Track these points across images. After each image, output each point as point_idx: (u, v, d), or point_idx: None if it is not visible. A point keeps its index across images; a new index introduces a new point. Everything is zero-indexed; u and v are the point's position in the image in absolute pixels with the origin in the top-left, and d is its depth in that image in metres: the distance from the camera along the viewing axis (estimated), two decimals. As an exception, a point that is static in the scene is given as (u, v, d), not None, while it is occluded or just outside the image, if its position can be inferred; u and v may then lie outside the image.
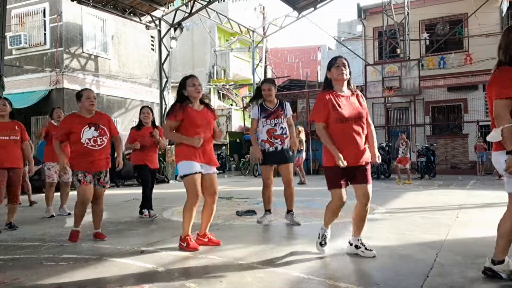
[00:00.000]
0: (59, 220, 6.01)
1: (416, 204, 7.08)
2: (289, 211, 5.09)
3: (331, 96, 3.45)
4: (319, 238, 3.59)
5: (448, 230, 4.54)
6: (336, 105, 3.40)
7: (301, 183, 11.81)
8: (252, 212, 6.06)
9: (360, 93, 3.57)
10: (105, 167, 4.39)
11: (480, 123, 16.75)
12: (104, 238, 4.40)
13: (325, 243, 3.56)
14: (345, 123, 3.37)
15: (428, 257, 3.41)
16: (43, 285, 2.89)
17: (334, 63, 3.49)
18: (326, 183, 3.50)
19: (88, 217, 5.88)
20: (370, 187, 3.43)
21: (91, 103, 4.33)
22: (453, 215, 5.66)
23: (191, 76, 4.05)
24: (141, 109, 6.16)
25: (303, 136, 11.98)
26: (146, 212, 5.93)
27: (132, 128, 6.09)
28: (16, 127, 5.15)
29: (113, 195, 9.81)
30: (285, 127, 5.03)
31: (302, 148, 11.83)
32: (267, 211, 5.21)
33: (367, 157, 3.44)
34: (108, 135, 4.41)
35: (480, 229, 4.60)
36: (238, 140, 23.78)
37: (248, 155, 19.75)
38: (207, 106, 4.07)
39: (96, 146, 4.28)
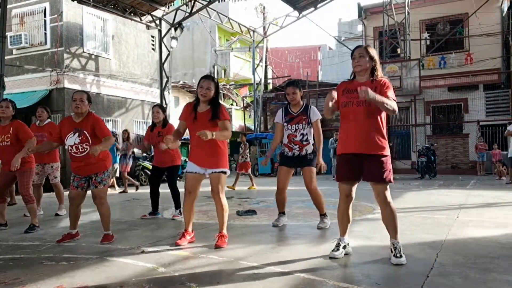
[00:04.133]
0: (60, 220, 6.02)
1: (416, 204, 7.08)
2: (320, 215, 4.90)
3: (345, 83, 3.50)
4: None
5: (448, 230, 4.54)
6: (346, 90, 3.41)
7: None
8: (252, 212, 6.06)
9: (384, 81, 3.31)
10: (94, 170, 4.22)
11: (481, 123, 16.76)
12: (105, 242, 4.20)
13: (337, 249, 3.44)
14: (348, 106, 3.34)
15: (429, 257, 3.41)
16: (44, 284, 2.89)
17: (352, 54, 3.43)
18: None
19: (88, 217, 5.90)
20: (381, 187, 3.26)
21: (76, 106, 4.17)
22: (454, 215, 5.65)
23: (204, 77, 4.06)
24: (152, 109, 6.13)
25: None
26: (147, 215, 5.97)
27: (148, 127, 6.12)
28: (11, 130, 5.02)
29: (113, 195, 9.82)
30: (306, 133, 4.78)
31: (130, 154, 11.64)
32: (281, 213, 5.06)
33: (373, 146, 3.26)
34: (90, 141, 4.17)
35: (481, 229, 4.60)
36: (238, 140, 23.78)
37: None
38: (213, 106, 3.97)
39: (78, 153, 4.16)
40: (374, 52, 3.38)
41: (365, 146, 3.28)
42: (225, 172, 4.00)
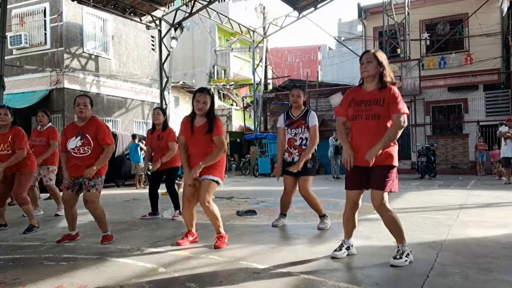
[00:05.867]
0: (59, 220, 6.02)
1: (416, 204, 7.07)
2: (320, 217, 4.93)
3: (352, 92, 3.42)
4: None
5: (448, 230, 4.54)
6: (353, 101, 3.34)
7: None
8: (252, 212, 6.06)
9: (394, 92, 3.24)
10: None
11: (481, 123, 16.75)
12: (105, 243, 4.20)
13: (340, 250, 3.45)
14: (357, 120, 3.29)
15: (429, 257, 3.42)
16: (44, 284, 2.89)
17: (360, 59, 3.37)
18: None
19: (88, 218, 5.90)
20: (379, 193, 3.21)
21: (80, 110, 4.21)
22: (454, 215, 5.65)
23: (201, 90, 4.05)
24: (153, 111, 6.15)
25: None
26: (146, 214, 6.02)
27: (149, 129, 6.13)
28: (10, 138, 5.01)
29: (114, 195, 9.82)
30: (305, 138, 4.78)
31: None
32: (282, 215, 5.10)
33: (381, 159, 3.21)
34: (92, 144, 4.21)
35: (481, 229, 4.60)
36: (238, 140, 23.78)
37: (248, 155, 19.76)
38: (210, 120, 3.97)
39: (78, 154, 4.20)
40: (382, 57, 3.31)
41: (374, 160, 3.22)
42: (217, 181, 3.95)
